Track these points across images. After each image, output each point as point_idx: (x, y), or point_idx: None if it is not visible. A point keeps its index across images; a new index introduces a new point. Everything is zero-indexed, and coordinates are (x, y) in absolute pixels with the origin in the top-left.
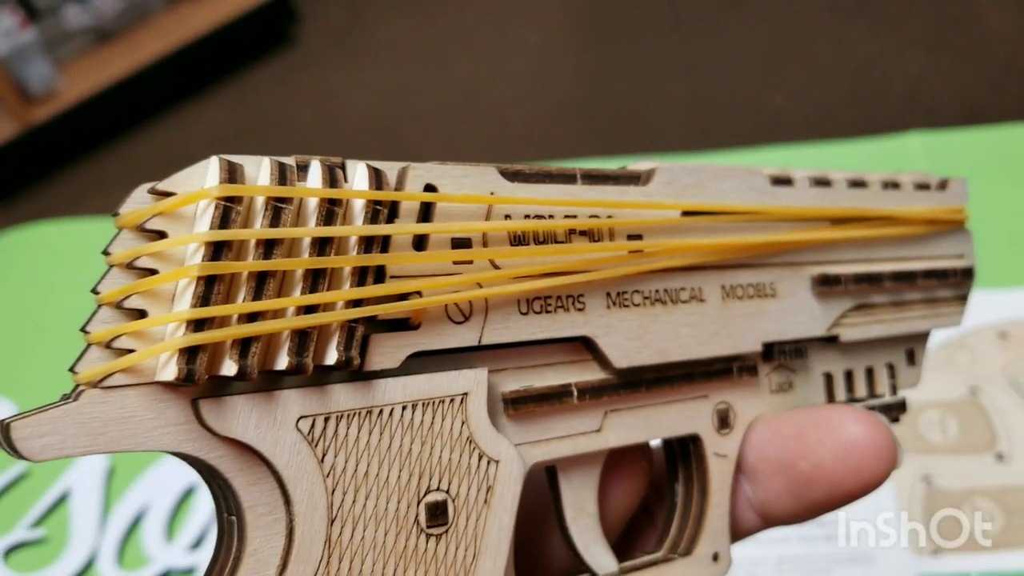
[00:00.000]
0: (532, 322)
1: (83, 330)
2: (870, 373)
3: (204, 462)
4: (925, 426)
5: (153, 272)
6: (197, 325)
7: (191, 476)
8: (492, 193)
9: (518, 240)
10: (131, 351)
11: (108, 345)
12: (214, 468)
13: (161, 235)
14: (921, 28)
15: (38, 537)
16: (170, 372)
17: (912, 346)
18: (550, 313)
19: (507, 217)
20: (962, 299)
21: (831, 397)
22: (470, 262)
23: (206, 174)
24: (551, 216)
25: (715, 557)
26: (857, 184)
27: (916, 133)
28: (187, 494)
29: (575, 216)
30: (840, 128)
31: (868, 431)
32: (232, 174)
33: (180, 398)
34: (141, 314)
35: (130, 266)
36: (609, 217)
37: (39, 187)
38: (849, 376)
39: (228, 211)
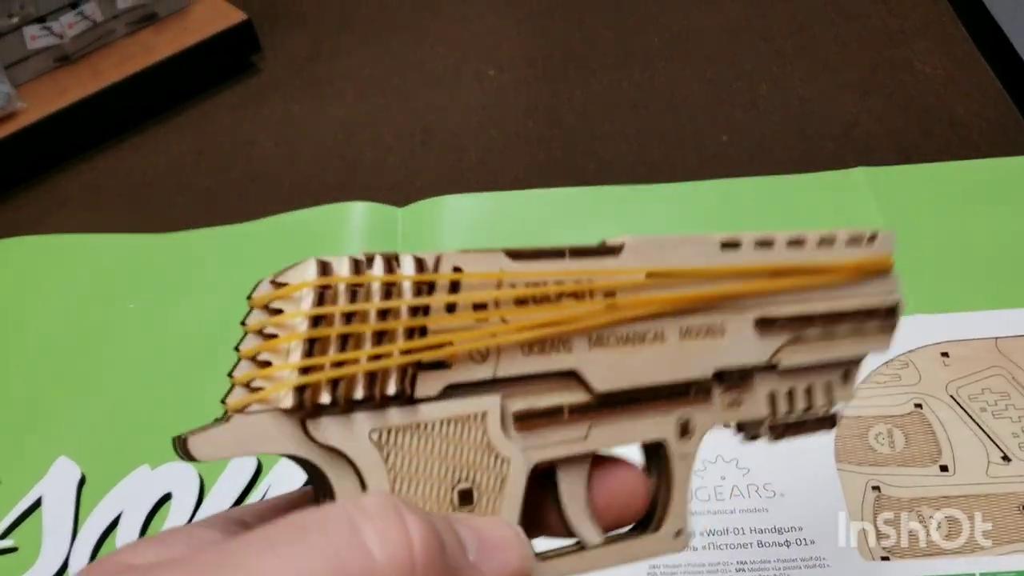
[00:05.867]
0: (532, 360)
1: (230, 375)
2: (809, 391)
3: (309, 462)
4: (874, 439)
5: (275, 336)
6: (304, 370)
7: (164, 486)
8: (501, 270)
9: (521, 302)
10: (261, 388)
11: (247, 385)
12: (316, 466)
13: (278, 311)
14: (856, 72)
15: (8, 547)
16: (288, 402)
17: (848, 368)
18: (545, 353)
19: (512, 286)
20: (889, 329)
21: (773, 411)
22: (487, 320)
23: (306, 270)
24: (545, 283)
25: (677, 533)
26: (795, 243)
27: (860, 168)
28: (160, 504)
29: (563, 282)
30: (780, 164)
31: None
32: (324, 269)
33: (294, 419)
34: (267, 364)
35: (260, 332)
36: (589, 281)
37: None
38: (790, 394)
39: (322, 295)
